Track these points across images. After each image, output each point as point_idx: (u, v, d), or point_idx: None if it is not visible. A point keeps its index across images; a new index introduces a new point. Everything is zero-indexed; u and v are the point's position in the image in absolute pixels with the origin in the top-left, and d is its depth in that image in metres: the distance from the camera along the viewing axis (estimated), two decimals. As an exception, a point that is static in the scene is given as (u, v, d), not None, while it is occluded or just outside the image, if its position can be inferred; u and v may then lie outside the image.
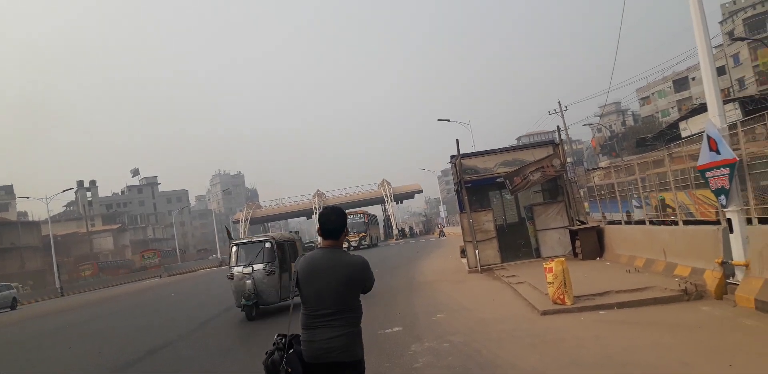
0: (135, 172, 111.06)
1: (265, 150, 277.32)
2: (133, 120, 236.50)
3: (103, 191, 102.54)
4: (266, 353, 3.44)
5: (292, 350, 3.41)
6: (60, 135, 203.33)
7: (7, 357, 12.01)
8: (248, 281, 12.05)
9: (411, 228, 74.83)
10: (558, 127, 18.01)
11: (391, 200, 68.13)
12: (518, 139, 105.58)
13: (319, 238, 3.63)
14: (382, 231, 70.24)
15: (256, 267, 12.26)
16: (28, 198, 50.20)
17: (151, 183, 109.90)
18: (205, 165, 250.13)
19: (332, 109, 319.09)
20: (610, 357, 5.81)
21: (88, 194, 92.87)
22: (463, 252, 19.78)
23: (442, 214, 71.42)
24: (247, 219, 68.30)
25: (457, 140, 16.71)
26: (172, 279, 40.48)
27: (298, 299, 3.51)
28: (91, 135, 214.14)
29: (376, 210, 73.73)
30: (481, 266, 15.28)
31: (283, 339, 3.46)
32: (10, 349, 13.31)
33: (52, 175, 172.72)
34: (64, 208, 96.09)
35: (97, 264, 64.88)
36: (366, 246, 46.52)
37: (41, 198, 46.77)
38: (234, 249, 12.88)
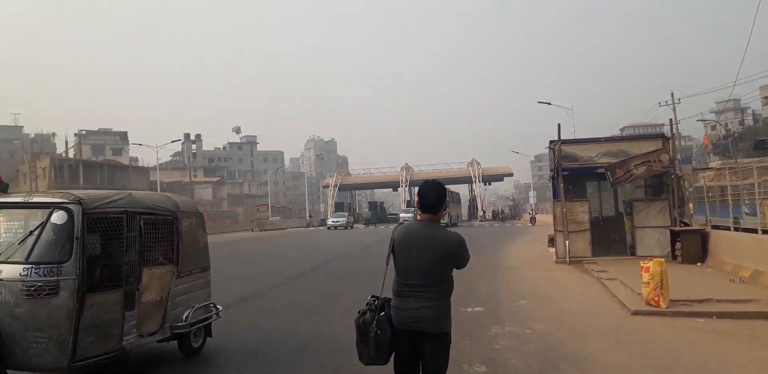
0: (237, 130, 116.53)
1: (359, 121, 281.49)
2: (239, 80, 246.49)
3: (207, 145, 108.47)
4: (359, 312, 3.60)
5: (383, 313, 3.52)
6: (171, 89, 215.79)
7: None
8: None
9: (502, 212, 70.92)
10: (671, 119, 16.99)
11: (479, 181, 67.21)
12: (622, 129, 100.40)
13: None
14: (465, 211, 69.61)
15: (6, 271, 4.73)
16: (141, 145, 54.13)
17: (251, 141, 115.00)
18: (302, 129, 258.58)
19: (430, 86, 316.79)
20: (704, 366, 5.57)
21: (193, 146, 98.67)
22: (551, 241, 19.33)
23: (532, 200, 69.69)
24: (336, 185, 69.91)
25: (559, 125, 16.24)
26: (264, 234, 42.87)
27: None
28: (199, 91, 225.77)
29: (462, 189, 73.15)
30: (570, 257, 14.90)
31: (377, 301, 3.59)
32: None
33: (162, 126, 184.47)
34: (171, 158, 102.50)
35: (206, 213, 72.04)
36: (444, 224, 44.33)
37: (152, 146, 50.15)
38: None
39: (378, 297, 3.62)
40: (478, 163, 68.88)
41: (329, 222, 50.74)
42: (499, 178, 75.68)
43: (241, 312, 9.01)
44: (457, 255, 3.53)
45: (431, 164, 78.22)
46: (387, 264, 3.58)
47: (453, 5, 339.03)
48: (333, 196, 69.01)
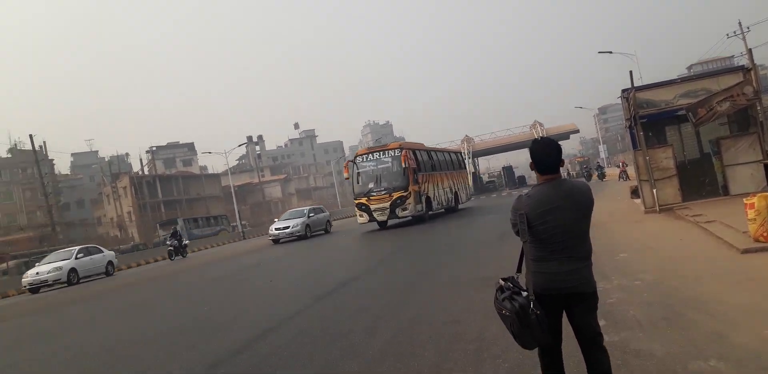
0: (296, 126, 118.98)
1: (413, 97, 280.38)
2: (294, 77, 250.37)
3: (269, 145, 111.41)
4: (501, 299, 3.37)
5: (524, 291, 3.34)
6: (227, 94, 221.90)
7: (220, 288, 13.93)
8: None
9: (600, 166, 52.31)
10: (750, 49, 15.90)
11: (545, 142, 65.33)
12: (689, 67, 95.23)
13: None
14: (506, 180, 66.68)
15: None
16: (210, 153, 56.27)
17: (310, 135, 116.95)
18: (357, 116, 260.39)
19: (483, 51, 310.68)
20: (838, 296, 5.33)
21: (257, 148, 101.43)
22: (634, 193, 18.77)
23: (603, 154, 67.40)
24: (399, 166, 69.93)
25: (631, 72, 15.55)
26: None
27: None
28: (258, 93, 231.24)
29: (526, 154, 71.21)
30: (659, 206, 14.42)
31: (509, 282, 3.40)
32: (220, 281, 15.36)
33: (222, 132, 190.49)
34: (237, 162, 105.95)
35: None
36: (409, 216, 23.58)
37: (221, 152, 51.96)
38: None
39: (507, 278, 3.43)
40: (541, 125, 66.77)
41: (272, 230, 28.08)
42: (565, 136, 73.03)
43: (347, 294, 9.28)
44: (593, 201, 3.39)
45: (492, 132, 76.65)
46: (525, 241, 3.35)
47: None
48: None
